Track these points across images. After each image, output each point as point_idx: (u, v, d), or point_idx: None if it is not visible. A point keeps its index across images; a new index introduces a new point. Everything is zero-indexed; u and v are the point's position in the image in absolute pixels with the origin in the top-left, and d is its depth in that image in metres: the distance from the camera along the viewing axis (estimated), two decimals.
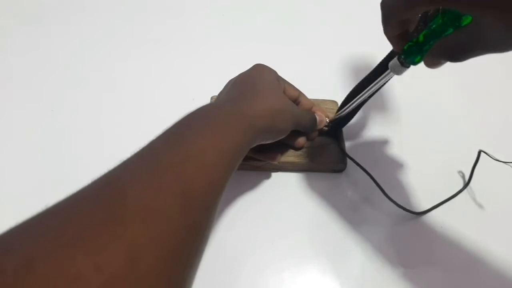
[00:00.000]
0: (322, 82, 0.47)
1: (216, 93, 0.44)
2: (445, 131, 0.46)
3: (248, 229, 0.37)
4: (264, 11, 0.57)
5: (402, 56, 0.28)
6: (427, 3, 0.23)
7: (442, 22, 0.25)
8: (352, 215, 0.38)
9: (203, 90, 0.45)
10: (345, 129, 0.43)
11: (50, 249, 0.17)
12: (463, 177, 0.42)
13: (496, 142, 0.44)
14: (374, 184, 0.38)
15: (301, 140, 0.37)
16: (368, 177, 0.38)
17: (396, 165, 0.42)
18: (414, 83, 0.48)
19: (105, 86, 0.47)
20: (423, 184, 0.41)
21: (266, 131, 0.31)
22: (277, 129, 0.33)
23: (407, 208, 0.37)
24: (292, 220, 0.38)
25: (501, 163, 0.40)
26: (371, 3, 0.58)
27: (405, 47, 0.28)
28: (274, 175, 0.41)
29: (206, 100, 0.44)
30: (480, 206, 0.40)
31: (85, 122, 0.44)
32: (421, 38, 0.26)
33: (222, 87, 0.45)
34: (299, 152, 0.40)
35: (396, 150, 0.43)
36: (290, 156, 0.39)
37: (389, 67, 0.30)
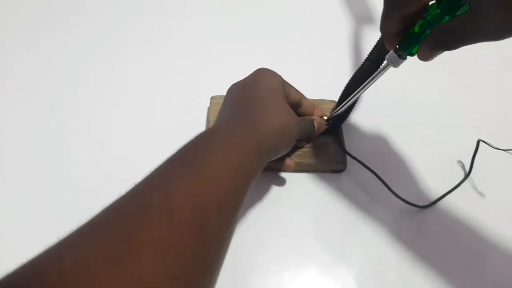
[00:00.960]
0: (322, 82, 0.47)
1: (216, 93, 0.44)
2: (442, 122, 0.46)
3: (248, 229, 0.37)
4: (264, 11, 0.57)
5: (399, 48, 0.28)
6: None
7: (438, 12, 0.25)
8: (353, 214, 0.38)
9: (203, 90, 0.45)
10: (344, 128, 0.43)
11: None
12: (463, 167, 0.42)
13: (494, 130, 0.44)
14: (375, 183, 0.38)
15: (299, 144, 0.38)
16: (368, 176, 0.38)
17: (396, 160, 0.42)
18: (409, 77, 0.47)
19: (105, 86, 0.47)
20: (424, 177, 0.41)
21: (274, 150, 0.32)
22: (285, 147, 0.33)
23: (411, 202, 0.37)
24: (292, 220, 0.38)
25: (501, 151, 0.41)
26: (371, 3, 0.58)
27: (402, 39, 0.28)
28: (274, 175, 0.41)
29: (206, 100, 0.44)
30: (482, 195, 0.40)
31: (85, 122, 0.44)
32: (416, 29, 0.26)
33: (222, 87, 0.45)
34: (299, 152, 0.40)
35: (394, 145, 0.43)
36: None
37: (386, 59, 0.30)
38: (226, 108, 0.36)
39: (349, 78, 0.38)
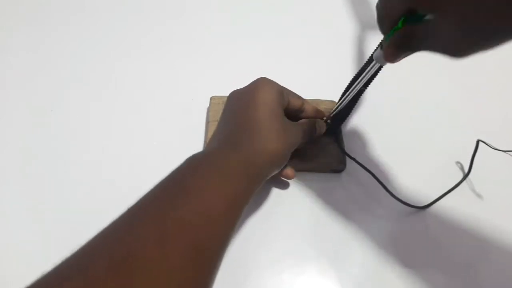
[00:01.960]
0: (321, 82, 0.47)
1: (216, 93, 0.44)
2: (441, 123, 0.46)
3: (247, 230, 0.37)
4: (264, 10, 0.57)
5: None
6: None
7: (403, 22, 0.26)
8: (352, 214, 0.38)
9: (202, 90, 0.45)
10: (343, 128, 0.42)
11: None
12: (462, 168, 0.42)
13: (493, 131, 0.44)
14: (374, 183, 0.38)
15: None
16: (368, 176, 0.38)
17: (394, 161, 0.42)
18: (408, 77, 0.48)
19: (105, 86, 0.47)
20: (423, 177, 0.41)
21: (266, 176, 0.32)
22: (278, 169, 0.34)
23: (409, 203, 0.37)
24: (292, 221, 0.38)
25: (501, 152, 0.40)
26: (372, 3, 0.58)
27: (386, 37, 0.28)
28: (274, 175, 0.41)
29: (206, 100, 0.44)
30: (481, 195, 0.40)
31: (85, 122, 0.44)
32: (400, 24, 0.26)
33: (222, 87, 0.45)
34: (298, 153, 0.40)
35: (393, 145, 0.43)
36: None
37: (373, 58, 0.31)
38: (224, 123, 0.35)
39: (351, 79, 0.38)
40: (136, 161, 0.41)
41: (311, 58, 0.52)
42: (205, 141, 0.41)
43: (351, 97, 0.37)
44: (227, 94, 0.44)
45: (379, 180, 0.38)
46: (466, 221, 0.38)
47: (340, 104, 0.38)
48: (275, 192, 0.40)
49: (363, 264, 0.36)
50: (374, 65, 0.32)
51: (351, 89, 0.36)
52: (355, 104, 0.39)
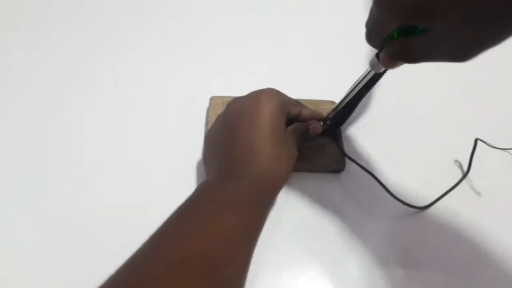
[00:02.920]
0: (321, 83, 0.47)
1: (216, 93, 0.44)
2: (439, 122, 0.46)
3: None
4: (265, 11, 0.57)
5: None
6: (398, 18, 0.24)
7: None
8: (352, 215, 0.38)
9: (202, 91, 0.45)
10: (343, 129, 0.42)
11: None
12: (460, 166, 0.42)
13: (491, 129, 0.44)
14: (373, 183, 0.38)
15: None
16: (367, 176, 0.38)
17: (393, 161, 0.42)
18: (405, 77, 0.47)
19: (104, 86, 0.47)
20: (422, 177, 0.41)
21: (277, 193, 0.33)
22: (285, 182, 0.34)
23: (409, 203, 0.37)
24: (292, 221, 0.38)
25: (499, 150, 0.40)
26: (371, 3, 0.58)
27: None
28: None
29: (205, 101, 0.44)
30: (481, 194, 0.40)
31: (85, 122, 0.44)
32: (395, 35, 0.27)
33: (222, 87, 0.45)
34: (297, 153, 0.40)
35: (392, 145, 0.43)
36: None
37: (369, 64, 0.31)
38: (225, 142, 0.34)
39: (353, 84, 0.38)
40: (135, 161, 0.41)
41: (311, 58, 0.52)
42: (204, 142, 0.41)
43: (347, 101, 0.37)
44: (227, 95, 0.44)
45: (379, 180, 0.38)
46: (466, 220, 0.38)
47: (338, 107, 0.38)
48: None
49: (363, 265, 0.36)
50: (369, 71, 0.32)
51: (348, 93, 0.36)
52: (355, 106, 0.39)
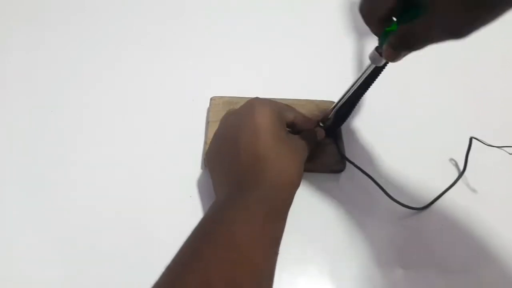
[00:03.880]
0: (321, 83, 0.47)
1: (216, 93, 0.44)
2: (434, 121, 0.46)
3: None
4: (265, 11, 0.57)
5: (379, 47, 0.30)
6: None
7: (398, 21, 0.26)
8: (352, 214, 0.38)
9: (203, 91, 0.45)
10: (344, 130, 0.43)
11: None
12: (456, 165, 0.42)
13: (486, 128, 0.43)
14: (373, 184, 0.38)
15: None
16: (367, 176, 0.38)
17: (392, 162, 0.42)
18: (398, 79, 0.47)
19: (104, 86, 0.47)
20: (420, 177, 0.41)
21: (293, 196, 0.32)
22: (299, 184, 0.33)
23: (409, 204, 0.37)
24: (290, 221, 0.38)
25: (495, 148, 0.40)
26: None
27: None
28: None
29: (206, 101, 0.44)
30: (478, 193, 0.40)
31: (84, 123, 0.44)
32: (394, 27, 0.27)
33: (222, 88, 0.45)
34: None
35: (389, 145, 0.43)
36: None
37: (369, 58, 0.31)
38: (228, 158, 0.33)
39: (353, 82, 0.38)
40: (136, 161, 0.41)
41: (311, 58, 0.52)
42: (205, 142, 0.41)
43: (346, 98, 0.37)
44: (227, 95, 0.44)
45: (377, 182, 0.38)
46: (464, 219, 0.38)
47: (338, 104, 0.38)
48: None
49: (362, 265, 0.36)
50: (370, 66, 0.32)
51: (347, 91, 0.36)
52: (354, 106, 0.39)
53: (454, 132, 0.43)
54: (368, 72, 0.33)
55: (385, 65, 0.32)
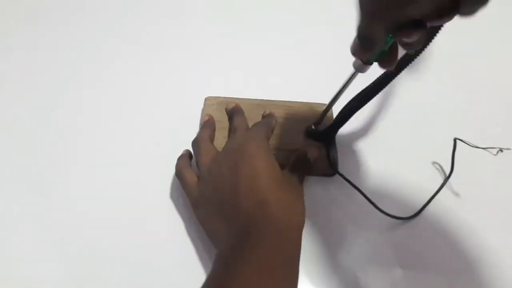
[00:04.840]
0: (318, 84, 0.47)
1: (212, 94, 0.45)
2: (417, 124, 0.45)
3: None
4: (262, 12, 0.57)
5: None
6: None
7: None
8: (344, 219, 0.38)
9: (197, 91, 0.45)
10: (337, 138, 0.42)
11: None
12: (440, 168, 0.41)
13: (470, 129, 0.43)
14: (364, 188, 0.37)
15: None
16: (359, 180, 0.38)
17: (377, 171, 0.41)
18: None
19: (103, 87, 0.47)
20: (408, 184, 0.40)
21: (299, 239, 0.31)
22: (303, 227, 0.31)
23: (396, 215, 0.37)
24: None
25: (480, 149, 0.40)
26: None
27: None
28: None
29: (200, 101, 0.44)
30: (465, 196, 0.40)
31: (83, 123, 0.44)
32: (388, 39, 0.27)
33: (217, 88, 0.45)
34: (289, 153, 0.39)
35: (373, 153, 0.43)
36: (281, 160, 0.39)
37: (353, 67, 0.32)
38: (230, 204, 0.32)
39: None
40: (134, 161, 0.41)
41: (309, 60, 0.51)
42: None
43: (333, 104, 0.37)
44: (222, 95, 0.44)
45: (365, 194, 0.37)
46: (454, 223, 0.38)
47: (327, 109, 0.38)
48: None
49: (362, 268, 0.36)
50: (354, 74, 0.32)
51: (334, 97, 0.36)
52: (348, 115, 0.38)
53: (437, 134, 0.43)
54: (353, 80, 0.33)
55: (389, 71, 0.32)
